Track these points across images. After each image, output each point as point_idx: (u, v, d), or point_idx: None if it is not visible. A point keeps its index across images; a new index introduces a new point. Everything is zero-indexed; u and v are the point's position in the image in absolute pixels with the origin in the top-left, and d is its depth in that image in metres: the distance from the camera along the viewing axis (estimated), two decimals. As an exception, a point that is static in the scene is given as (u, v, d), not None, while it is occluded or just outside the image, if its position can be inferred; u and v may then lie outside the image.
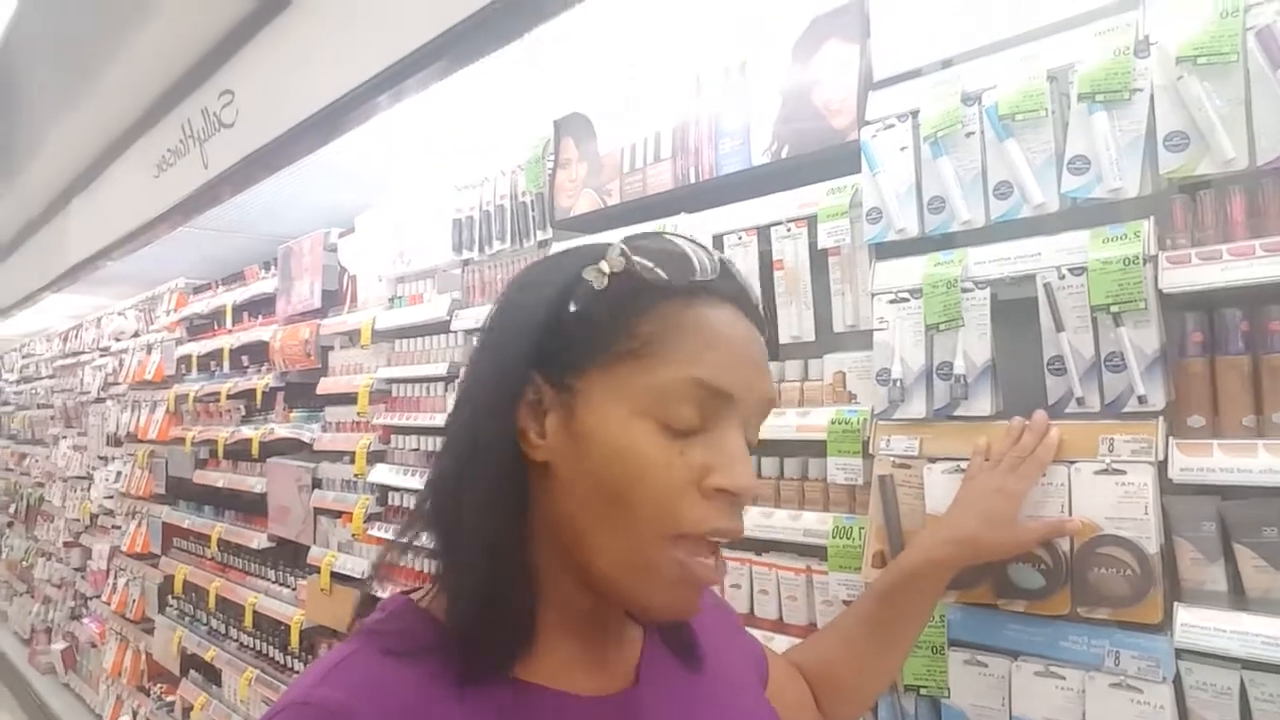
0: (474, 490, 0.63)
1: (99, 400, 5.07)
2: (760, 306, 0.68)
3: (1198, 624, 1.04)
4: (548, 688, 0.63)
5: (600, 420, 0.60)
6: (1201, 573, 1.08)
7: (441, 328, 2.34)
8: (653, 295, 0.62)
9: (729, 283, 0.65)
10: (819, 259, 1.50)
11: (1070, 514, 1.12)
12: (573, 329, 0.62)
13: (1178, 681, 1.06)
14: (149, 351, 4.31)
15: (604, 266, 0.63)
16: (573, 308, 0.63)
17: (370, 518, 2.56)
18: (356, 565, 2.58)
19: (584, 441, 0.61)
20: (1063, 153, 1.19)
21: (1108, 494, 1.09)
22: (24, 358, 7.34)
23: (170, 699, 3.89)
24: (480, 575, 0.61)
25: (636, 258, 0.63)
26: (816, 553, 1.46)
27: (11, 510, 7.20)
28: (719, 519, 0.60)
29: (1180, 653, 1.06)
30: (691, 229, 1.66)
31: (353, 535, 2.61)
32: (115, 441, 4.80)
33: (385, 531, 2.49)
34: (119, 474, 4.63)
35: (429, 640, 0.62)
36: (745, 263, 1.60)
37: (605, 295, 0.62)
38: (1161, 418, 1.10)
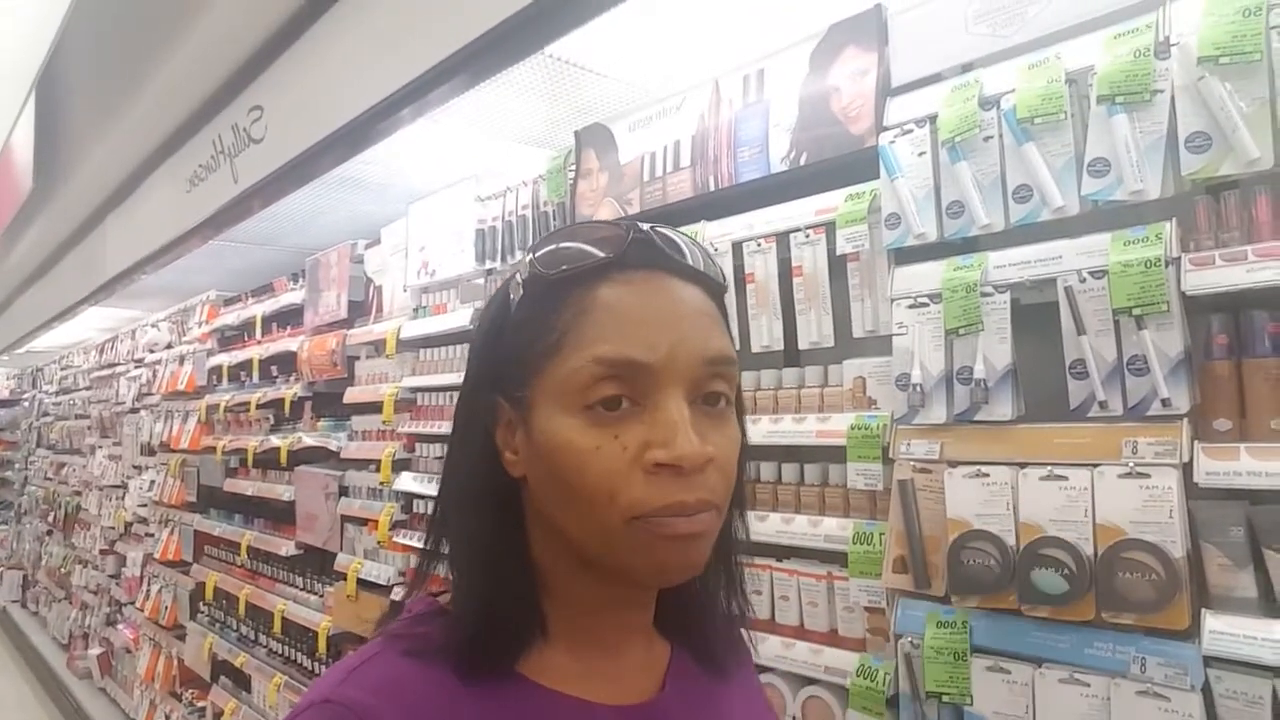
0: (468, 512, 0.67)
1: (133, 410, 5.18)
2: (698, 261, 0.65)
3: (1227, 631, 1.02)
4: (565, 693, 0.64)
5: (542, 423, 0.61)
6: (1230, 579, 1.06)
7: (465, 337, 2.37)
8: (564, 287, 0.62)
9: (645, 251, 0.63)
10: (838, 265, 1.50)
11: (1094, 517, 1.11)
12: (510, 345, 0.65)
13: (1207, 689, 1.04)
14: (181, 363, 4.40)
15: (518, 277, 0.66)
16: (506, 325, 0.66)
17: (395, 525, 2.59)
18: (382, 572, 2.60)
19: (537, 447, 0.61)
20: (1083, 155, 1.18)
21: (1131, 498, 1.08)
22: (62, 370, 7.52)
23: (201, 704, 3.94)
24: (480, 583, 0.64)
25: (540, 254, 0.64)
26: (837, 559, 1.46)
27: (50, 518, 7.37)
28: (667, 494, 0.58)
29: (1209, 660, 1.04)
30: (711, 237, 1.68)
31: (378, 543, 2.64)
32: (149, 451, 4.89)
33: (410, 539, 2.52)
34: (152, 483, 4.72)
35: (446, 640, 0.63)
36: (765, 269, 1.60)
37: (524, 304, 0.64)
38: (1186, 421, 1.08)
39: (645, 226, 0.65)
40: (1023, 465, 1.21)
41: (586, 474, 0.59)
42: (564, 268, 0.63)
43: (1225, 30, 1.06)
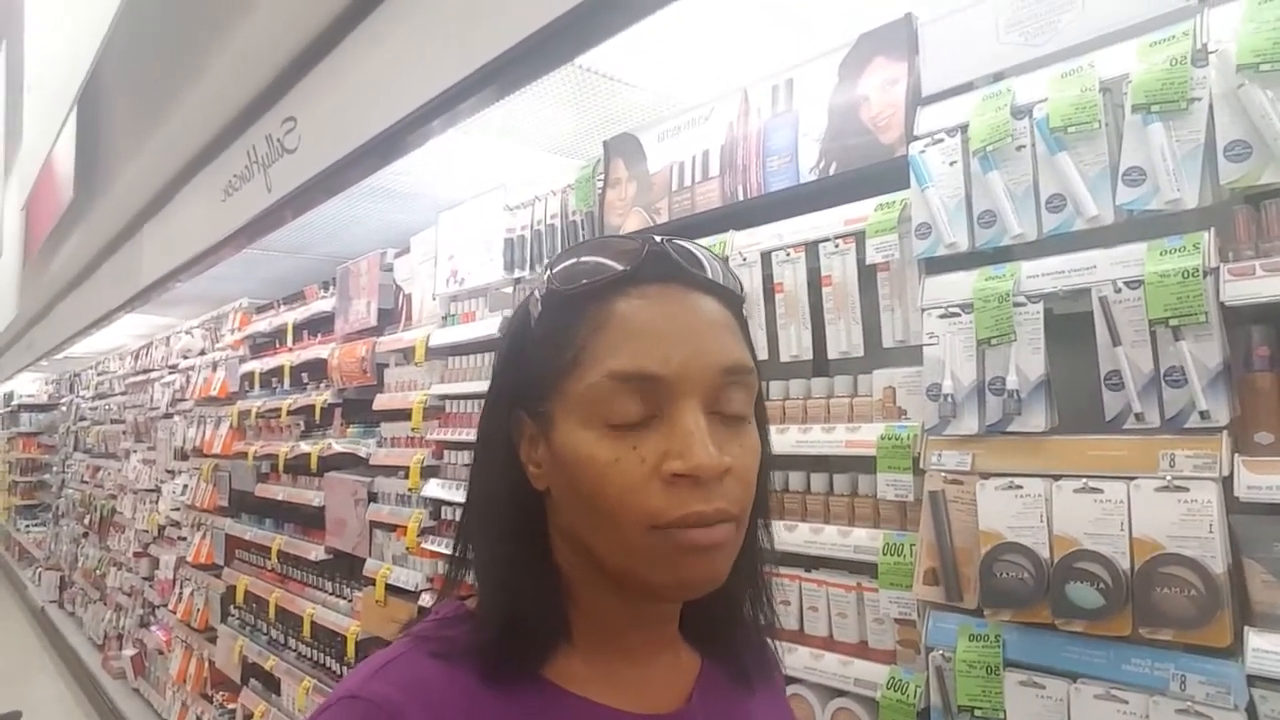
0: (492, 524, 0.68)
1: (167, 416, 5.28)
2: (716, 273, 0.65)
3: (1272, 649, 1.00)
4: (590, 700, 0.64)
5: (563, 437, 0.62)
6: (1274, 595, 1.04)
7: (493, 345, 2.39)
8: (580, 302, 0.63)
9: (660, 263, 0.64)
10: (868, 274, 1.49)
11: (1130, 531, 1.09)
12: (531, 361, 0.66)
13: (1251, 710, 1.02)
14: (214, 369, 4.48)
15: (537, 293, 0.67)
16: (527, 341, 0.67)
17: (424, 531, 2.61)
18: (410, 578, 2.63)
19: (559, 461, 0.62)
20: (1117, 164, 1.17)
21: (1169, 511, 1.06)
22: (99, 375, 7.69)
23: (231, 707, 4.00)
24: (505, 592, 0.65)
25: (558, 270, 0.65)
26: (867, 570, 1.45)
27: (86, 521, 7.53)
28: (685, 504, 0.59)
29: (1253, 679, 1.02)
30: (740, 246, 1.68)
31: (407, 549, 2.66)
32: (182, 456, 4.98)
33: (439, 545, 2.54)
34: (185, 487, 4.81)
35: (472, 644, 0.64)
36: (794, 279, 1.60)
37: (543, 320, 0.65)
38: (1226, 433, 1.07)
39: (661, 239, 0.65)
40: (1057, 477, 1.19)
41: (606, 486, 0.59)
42: (581, 283, 0.64)
43: (1266, 37, 1.04)
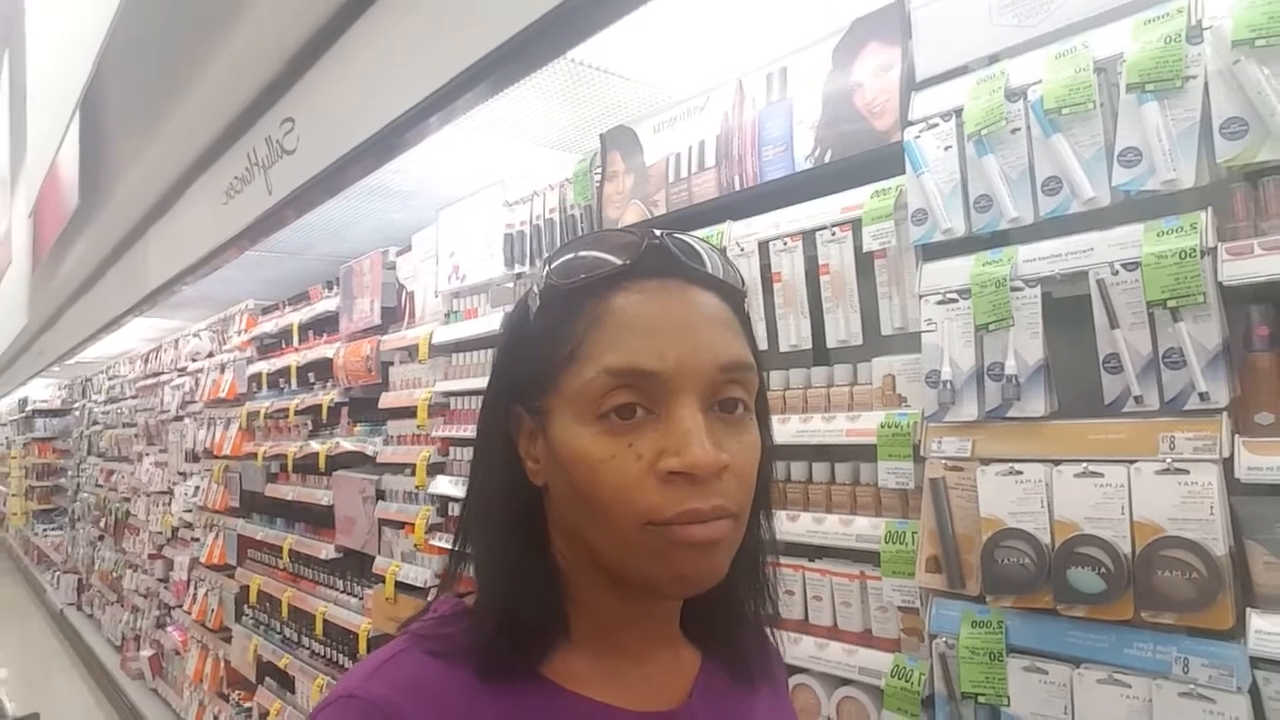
0: (491, 520, 0.68)
1: (178, 418, 5.32)
2: (716, 267, 0.65)
3: (1275, 631, 1.00)
4: (589, 697, 0.64)
5: (559, 433, 0.62)
6: (1276, 577, 1.03)
7: (496, 341, 2.39)
8: (579, 297, 0.63)
9: (659, 258, 0.63)
10: (865, 262, 1.49)
11: (1131, 514, 1.09)
12: (530, 355, 0.65)
13: (1255, 691, 1.02)
14: (222, 371, 4.51)
15: (536, 288, 0.66)
16: (525, 335, 0.66)
17: (431, 528, 2.62)
18: (419, 575, 2.64)
19: (556, 457, 0.62)
20: (1113, 145, 1.16)
21: (1170, 494, 1.06)
22: (110, 379, 7.75)
23: (248, 705, 4.04)
24: (503, 588, 0.65)
25: (556, 265, 0.65)
26: (870, 558, 1.45)
27: (102, 524, 7.61)
28: (681, 501, 0.58)
29: (1256, 661, 1.01)
30: (737, 236, 1.67)
31: (415, 545, 2.68)
32: (193, 457, 5.02)
33: (446, 541, 2.55)
34: (197, 488, 4.85)
35: (470, 642, 0.64)
36: (791, 268, 1.60)
37: (541, 314, 0.65)
38: (1226, 414, 1.06)
39: (661, 233, 0.65)
40: (1057, 462, 1.19)
41: (601, 483, 0.59)
42: (579, 277, 0.63)
43: (1261, 12, 1.03)
